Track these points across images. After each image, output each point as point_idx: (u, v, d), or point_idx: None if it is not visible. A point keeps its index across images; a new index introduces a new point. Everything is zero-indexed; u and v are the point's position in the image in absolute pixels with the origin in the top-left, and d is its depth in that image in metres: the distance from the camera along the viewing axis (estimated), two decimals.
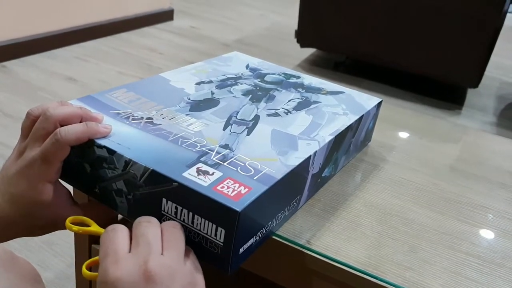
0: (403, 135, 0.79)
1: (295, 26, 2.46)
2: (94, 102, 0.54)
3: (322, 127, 0.57)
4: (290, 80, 0.71)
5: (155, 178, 0.43)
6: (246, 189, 0.42)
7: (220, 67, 0.72)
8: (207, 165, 0.45)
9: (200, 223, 0.41)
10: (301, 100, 0.64)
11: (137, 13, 2.83)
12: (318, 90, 0.69)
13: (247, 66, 0.74)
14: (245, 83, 0.67)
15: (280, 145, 0.51)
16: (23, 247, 1.12)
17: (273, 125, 0.55)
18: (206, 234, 0.41)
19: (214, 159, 0.46)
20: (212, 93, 0.61)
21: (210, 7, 3.59)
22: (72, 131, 0.45)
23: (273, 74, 0.72)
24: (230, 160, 0.46)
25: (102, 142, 0.46)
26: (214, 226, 0.41)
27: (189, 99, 0.59)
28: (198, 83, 0.64)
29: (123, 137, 0.47)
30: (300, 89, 0.68)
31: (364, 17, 2.25)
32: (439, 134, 0.82)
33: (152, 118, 0.52)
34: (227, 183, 0.42)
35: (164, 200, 0.43)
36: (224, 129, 0.52)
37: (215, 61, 0.74)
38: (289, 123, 0.57)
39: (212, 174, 0.43)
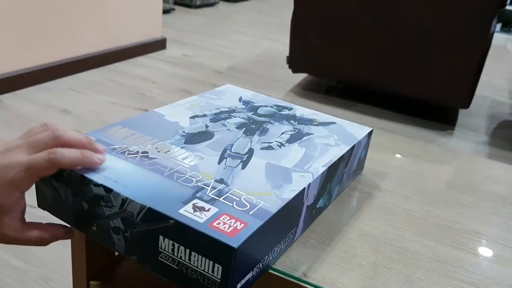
0: (396, 162, 0.80)
1: (286, 52, 2.50)
2: None
3: (315, 159, 0.58)
4: (283, 112, 0.72)
5: (152, 216, 0.43)
6: (242, 225, 0.42)
7: (214, 101, 0.73)
8: (203, 201, 0.45)
9: (197, 260, 0.42)
10: (293, 132, 0.65)
11: (130, 43, 2.87)
12: (310, 122, 0.70)
13: (240, 99, 0.75)
14: (239, 116, 0.68)
15: (275, 179, 0.52)
16: (19, 283, 1.11)
17: (267, 159, 0.56)
18: (203, 270, 0.42)
19: (209, 194, 0.46)
20: (207, 126, 0.62)
21: (202, 36, 3.64)
22: (67, 156, 0.44)
23: (266, 106, 0.73)
24: (226, 195, 0.47)
25: (98, 180, 0.46)
26: (211, 262, 0.41)
27: (183, 132, 0.59)
28: (192, 117, 0.65)
29: (120, 174, 0.48)
30: (292, 121, 0.69)
31: (354, 43, 2.29)
32: (431, 160, 0.83)
33: (147, 152, 0.53)
34: (223, 219, 0.43)
35: (161, 237, 0.43)
36: (219, 163, 0.53)
37: (209, 95, 0.75)
38: (283, 156, 0.58)
39: (208, 210, 0.44)
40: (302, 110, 0.75)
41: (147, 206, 0.43)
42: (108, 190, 0.45)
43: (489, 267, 0.55)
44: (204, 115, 0.66)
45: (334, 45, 2.34)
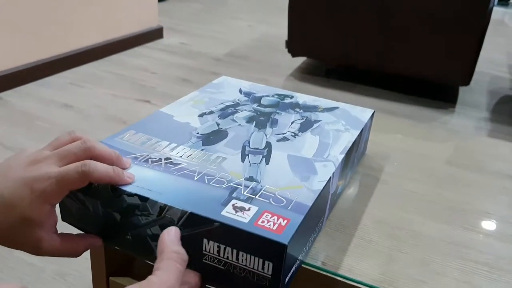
0: (400, 143, 0.81)
1: (284, 36, 2.49)
2: None
3: (331, 147, 0.59)
4: (285, 101, 0.73)
5: (194, 220, 0.43)
6: (285, 221, 0.43)
7: (215, 95, 0.73)
8: (241, 201, 0.46)
9: (246, 259, 0.42)
10: (302, 120, 0.66)
11: (127, 34, 2.86)
12: (314, 108, 0.71)
13: (240, 91, 0.75)
14: (245, 110, 0.68)
15: (300, 171, 0.53)
16: (36, 280, 1.13)
17: (286, 151, 0.57)
18: (253, 268, 0.42)
19: (245, 193, 0.47)
20: (218, 124, 0.63)
21: (198, 23, 3.62)
22: (100, 170, 0.43)
23: (268, 96, 0.74)
24: (260, 192, 0.47)
25: (132, 190, 0.46)
26: (260, 260, 0.41)
27: (198, 133, 0.60)
28: (201, 115, 0.65)
29: (151, 182, 0.47)
30: (297, 109, 0.70)
31: (351, 24, 2.28)
32: (435, 140, 0.84)
33: (170, 158, 0.53)
34: (266, 216, 0.43)
35: (205, 240, 0.43)
36: (242, 161, 0.53)
37: (208, 89, 0.75)
38: (300, 146, 0.59)
39: (249, 209, 0.44)
40: (303, 97, 0.76)
41: (189, 211, 0.43)
42: (144, 199, 0.45)
43: (502, 247, 0.57)
44: (212, 112, 0.66)
45: (333, 27, 2.33)
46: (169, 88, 2.34)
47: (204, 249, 0.43)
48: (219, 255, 0.42)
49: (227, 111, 0.67)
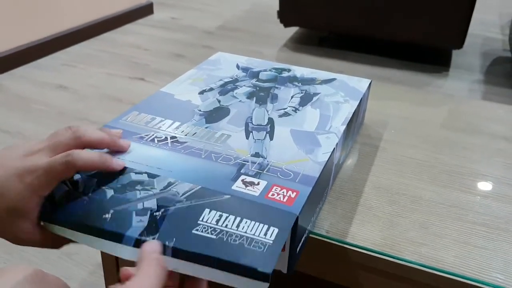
0: (396, 110, 0.82)
1: (275, 6, 2.47)
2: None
3: (332, 119, 0.60)
4: (283, 75, 0.73)
5: (201, 194, 0.44)
6: (295, 193, 0.45)
7: (214, 72, 0.73)
8: (250, 176, 0.47)
9: (248, 226, 0.41)
10: (302, 94, 0.67)
11: (117, 11, 2.82)
12: (312, 81, 0.72)
13: (237, 67, 0.75)
14: (244, 85, 0.69)
15: (304, 144, 0.54)
16: (43, 261, 1.15)
17: (288, 126, 0.58)
18: (253, 235, 0.40)
19: (252, 169, 0.49)
20: (219, 101, 0.63)
21: None
22: (84, 157, 0.43)
23: (265, 71, 0.74)
24: (267, 167, 0.49)
25: (142, 168, 0.47)
26: (265, 226, 0.41)
27: (200, 110, 0.60)
28: (201, 93, 0.66)
29: (159, 161, 0.49)
30: (296, 83, 0.71)
31: None
32: (430, 105, 0.85)
33: (176, 137, 0.54)
34: (275, 190, 0.45)
35: (206, 210, 0.43)
36: (247, 138, 0.55)
37: (205, 66, 0.75)
38: (302, 120, 0.60)
39: (258, 184, 0.46)
40: (300, 70, 0.76)
41: (199, 186, 0.45)
42: (153, 176, 0.46)
43: (498, 208, 0.59)
44: (211, 89, 0.67)
45: None
46: (163, 64, 2.33)
47: (201, 219, 0.42)
48: (217, 224, 0.41)
49: (226, 88, 0.68)
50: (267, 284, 0.37)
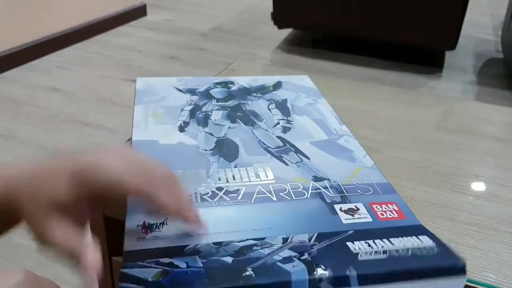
0: (390, 113, 0.83)
1: (269, 7, 2.47)
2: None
3: (327, 121, 0.61)
4: (233, 89, 0.70)
5: (323, 236, 0.40)
6: (393, 205, 0.46)
7: (162, 103, 0.65)
8: (340, 203, 0.45)
9: (400, 242, 0.40)
10: (273, 103, 0.66)
11: (110, 13, 2.82)
12: (266, 89, 0.71)
13: (179, 89, 0.69)
14: (212, 109, 0.64)
15: (340, 154, 0.54)
16: (37, 264, 1.15)
17: (302, 140, 0.57)
18: (414, 246, 0.40)
19: (334, 195, 0.46)
20: (211, 134, 0.58)
21: None
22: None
23: (212, 88, 0.70)
24: (343, 189, 0.47)
25: (242, 237, 0.40)
26: (414, 238, 0.41)
27: (205, 150, 0.54)
28: (181, 130, 0.58)
29: (249, 221, 0.43)
30: (254, 94, 0.69)
31: None
32: (423, 106, 0.85)
33: (222, 188, 0.47)
34: (376, 208, 0.45)
35: (349, 243, 0.39)
36: (287, 165, 0.52)
37: (146, 99, 0.65)
38: (305, 131, 0.59)
39: (357, 208, 0.44)
40: (241, 79, 0.73)
41: (315, 233, 0.41)
42: (260, 239, 0.40)
43: (490, 208, 0.59)
44: (187, 123, 0.60)
45: None
46: (156, 66, 2.33)
47: (353, 249, 0.39)
48: (372, 248, 0.39)
49: (199, 117, 0.62)
50: (465, 276, 0.38)
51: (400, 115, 0.82)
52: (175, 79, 0.70)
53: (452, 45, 2.22)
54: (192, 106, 0.64)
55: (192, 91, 0.68)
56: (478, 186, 0.63)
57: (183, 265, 0.37)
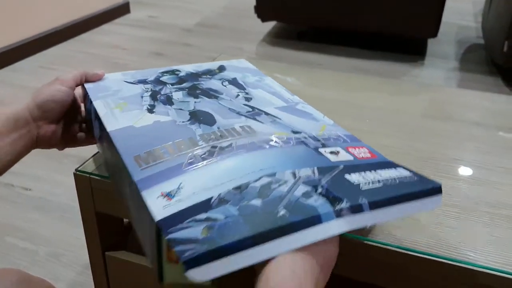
0: (372, 102, 0.85)
1: (253, 1, 2.48)
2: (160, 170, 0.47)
3: (276, 93, 0.67)
4: (182, 74, 0.71)
5: (326, 171, 0.46)
6: (364, 148, 0.53)
7: (120, 94, 0.64)
8: (323, 148, 0.51)
9: (386, 173, 0.47)
10: (225, 81, 0.70)
11: (93, 11, 2.81)
12: (212, 72, 0.73)
13: (129, 82, 0.68)
14: (171, 91, 0.65)
15: (304, 116, 0.60)
16: (30, 263, 1.16)
17: (266, 106, 0.61)
18: (399, 176, 0.47)
19: (316, 143, 0.52)
20: (181, 109, 0.59)
21: None
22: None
23: (161, 76, 0.70)
24: (317, 138, 0.53)
25: (256, 176, 0.44)
26: (392, 169, 0.48)
27: (183, 122, 0.56)
28: (150, 111, 0.59)
29: (253, 164, 0.46)
30: (204, 76, 0.71)
31: None
32: (406, 94, 0.88)
33: (216, 146, 0.50)
34: (352, 151, 0.51)
35: (346, 175, 0.46)
36: (263, 123, 0.56)
37: (102, 94, 0.64)
38: (266, 100, 0.64)
39: (337, 152, 0.51)
40: (187, 67, 0.74)
41: (314, 167, 0.46)
42: (271, 174, 0.44)
43: (468, 189, 0.61)
44: (153, 106, 0.61)
45: None
46: (142, 63, 2.33)
47: (353, 182, 0.45)
48: (369, 179, 0.46)
49: (162, 99, 0.63)
50: (441, 194, 0.46)
51: (384, 104, 0.84)
52: (120, 74, 0.70)
53: (434, 33, 2.25)
54: (150, 92, 0.64)
55: (142, 82, 0.68)
56: (458, 170, 0.66)
57: (221, 216, 0.39)
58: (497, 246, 0.52)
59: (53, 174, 1.49)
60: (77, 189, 0.68)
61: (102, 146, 0.60)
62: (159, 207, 0.41)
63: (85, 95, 0.65)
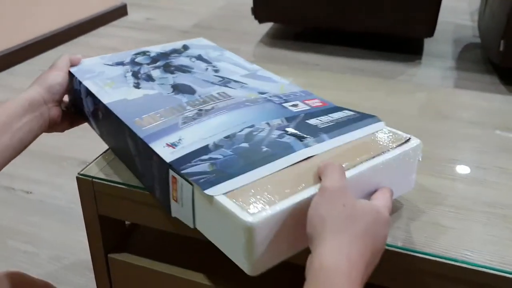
0: (369, 102, 0.86)
1: (250, 3, 2.49)
2: (163, 131, 0.56)
3: (237, 64, 0.76)
4: (152, 55, 0.78)
5: (289, 120, 0.59)
6: (316, 100, 0.66)
7: (104, 76, 0.70)
8: (285, 103, 0.64)
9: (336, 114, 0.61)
10: (192, 58, 0.77)
11: (91, 14, 2.81)
12: (177, 50, 0.80)
13: (108, 64, 0.74)
14: (149, 70, 0.72)
15: (263, 80, 0.70)
16: (33, 267, 1.16)
17: (232, 76, 0.71)
18: (349, 115, 0.62)
19: (278, 99, 0.64)
20: (163, 84, 0.68)
21: None
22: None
23: (135, 58, 0.76)
24: (279, 95, 0.66)
25: (240, 128, 0.56)
26: (345, 111, 0.63)
27: (168, 93, 0.65)
28: (136, 87, 0.67)
29: (235, 119, 0.58)
30: (173, 55, 0.78)
31: None
32: (402, 94, 0.89)
33: (202, 109, 0.60)
34: (307, 103, 0.64)
35: (307, 121, 0.59)
36: (235, 89, 0.67)
37: (89, 75, 0.70)
38: (230, 69, 0.73)
39: (297, 104, 0.64)
40: (153, 48, 0.80)
41: (283, 117, 0.59)
42: (251, 126, 0.57)
43: (465, 189, 0.62)
44: (138, 83, 0.68)
45: None
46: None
47: (314, 124, 0.58)
48: (325, 120, 0.59)
49: (143, 77, 0.70)
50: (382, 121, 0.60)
51: (378, 104, 0.85)
52: (99, 58, 0.76)
53: (430, 32, 2.26)
54: (131, 72, 0.71)
55: (120, 63, 0.75)
56: (454, 170, 0.67)
57: (220, 156, 0.51)
58: (494, 245, 0.53)
59: (53, 177, 1.49)
60: (79, 193, 0.69)
61: (96, 120, 0.68)
62: (167, 153, 0.52)
63: (71, 78, 0.70)
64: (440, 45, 2.53)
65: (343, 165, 0.49)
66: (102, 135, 0.70)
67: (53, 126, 0.69)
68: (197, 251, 0.74)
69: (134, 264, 0.72)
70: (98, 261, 0.76)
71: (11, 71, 2.27)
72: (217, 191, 0.46)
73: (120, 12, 3.06)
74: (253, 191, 0.46)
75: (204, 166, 0.49)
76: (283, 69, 1.06)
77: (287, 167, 0.50)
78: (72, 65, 0.72)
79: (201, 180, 0.47)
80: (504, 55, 1.98)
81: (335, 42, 2.53)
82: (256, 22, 2.54)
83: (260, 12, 2.47)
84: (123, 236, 0.78)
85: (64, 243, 1.23)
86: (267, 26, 2.82)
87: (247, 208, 0.44)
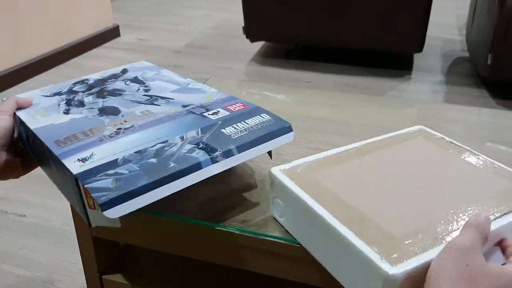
0: (359, 119, 0.87)
1: (241, 22, 2.52)
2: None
3: (171, 80, 0.79)
4: (90, 82, 0.79)
5: (204, 130, 0.61)
6: (238, 104, 0.68)
7: (39, 106, 0.71)
8: (206, 112, 0.66)
9: (256, 119, 0.64)
10: (127, 81, 0.79)
11: (83, 36, 2.83)
12: (116, 75, 0.82)
13: (46, 96, 0.75)
14: (82, 97, 0.73)
15: (192, 92, 0.73)
16: None
17: (162, 93, 0.74)
18: (262, 121, 0.64)
19: (201, 109, 0.67)
20: (92, 108, 0.69)
21: (153, 16, 3.61)
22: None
23: (73, 87, 0.77)
24: (203, 105, 0.68)
25: (152, 143, 0.58)
26: (263, 115, 0.65)
27: (94, 116, 0.66)
28: (66, 113, 0.68)
29: (151, 135, 0.60)
30: (109, 80, 0.80)
31: (303, 3, 2.33)
32: (392, 109, 0.90)
33: (121, 128, 0.62)
34: (229, 108, 0.67)
35: (224, 129, 0.61)
36: (159, 105, 0.69)
37: (29, 108, 0.71)
38: (161, 87, 0.75)
39: (219, 111, 0.66)
40: (94, 75, 0.82)
41: (199, 128, 0.61)
42: (165, 141, 0.59)
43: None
44: (68, 109, 0.69)
45: (286, 9, 2.37)
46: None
47: (228, 134, 0.60)
48: (240, 129, 0.62)
49: (75, 104, 0.71)
50: (292, 132, 0.63)
51: (368, 121, 0.86)
52: (38, 91, 0.78)
53: (419, 48, 2.29)
54: (65, 100, 0.73)
55: (58, 93, 0.76)
56: None
57: (125, 171, 0.53)
58: None
59: (46, 199, 1.49)
60: (73, 215, 0.69)
61: (31, 150, 0.68)
62: (76, 167, 0.54)
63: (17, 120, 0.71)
64: (429, 60, 2.57)
65: (491, 216, 0.47)
66: (41, 165, 0.68)
67: (2, 173, 0.65)
68: (193, 271, 0.74)
69: (129, 285, 0.72)
70: (93, 282, 0.76)
71: (3, 95, 2.28)
72: (117, 213, 0.49)
73: (112, 33, 3.08)
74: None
75: (107, 182, 0.51)
76: (275, 87, 1.08)
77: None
78: (20, 108, 0.69)
79: (102, 198, 0.48)
80: (492, 69, 2.01)
81: (326, 60, 2.56)
82: (247, 41, 2.57)
83: (251, 31, 2.50)
84: (118, 256, 0.78)
85: (58, 266, 1.22)
86: (259, 44, 2.85)
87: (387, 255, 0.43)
